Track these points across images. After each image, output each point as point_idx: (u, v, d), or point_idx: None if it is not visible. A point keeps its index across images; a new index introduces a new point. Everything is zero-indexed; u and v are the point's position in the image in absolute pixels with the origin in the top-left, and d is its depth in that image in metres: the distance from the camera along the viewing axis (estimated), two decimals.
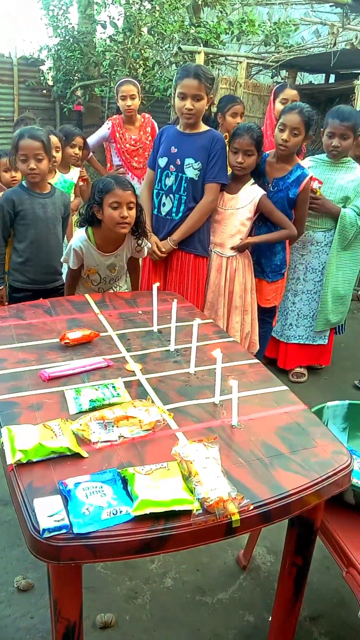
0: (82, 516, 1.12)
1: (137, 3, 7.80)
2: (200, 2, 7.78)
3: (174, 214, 2.83)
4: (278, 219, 2.90)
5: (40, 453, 1.28)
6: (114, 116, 4.19)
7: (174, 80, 2.80)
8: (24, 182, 2.70)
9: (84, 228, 2.48)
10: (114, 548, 1.12)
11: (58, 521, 1.10)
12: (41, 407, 1.51)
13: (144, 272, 3.04)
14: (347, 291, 3.38)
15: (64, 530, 1.10)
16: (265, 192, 2.85)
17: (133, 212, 2.37)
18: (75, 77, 8.87)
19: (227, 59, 7.87)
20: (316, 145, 7.43)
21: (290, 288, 3.41)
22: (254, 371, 1.80)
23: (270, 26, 7.92)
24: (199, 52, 6.82)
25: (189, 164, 2.74)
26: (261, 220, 2.96)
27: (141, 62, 7.92)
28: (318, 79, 8.35)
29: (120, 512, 1.15)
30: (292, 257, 3.36)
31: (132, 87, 3.95)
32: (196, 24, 7.63)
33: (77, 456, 1.31)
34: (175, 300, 1.90)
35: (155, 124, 4.23)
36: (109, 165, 4.32)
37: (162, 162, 2.82)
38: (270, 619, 1.79)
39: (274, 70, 7.46)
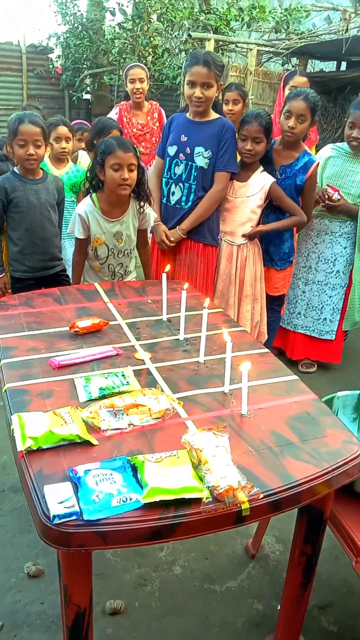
0: (92, 503, 1.12)
1: None
2: None
3: (183, 203, 2.81)
4: (288, 206, 2.88)
5: (51, 440, 1.29)
6: (122, 102, 4.19)
7: (183, 67, 2.77)
8: (15, 169, 2.68)
9: (89, 195, 2.50)
10: (124, 535, 1.12)
11: (68, 508, 1.10)
12: (51, 395, 1.52)
13: (152, 261, 3.03)
14: None
15: (74, 517, 1.10)
16: (275, 180, 2.83)
17: (134, 174, 2.38)
18: (84, 66, 8.82)
19: (237, 46, 7.79)
20: (327, 134, 7.36)
21: (301, 276, 3.39)
22: (264, 360, 1.79)
23: (281, 12, 7.82)
24: (208, 39, 6.76)
25: (198, 153, 2.72)
26: (269, 208, 2.94)
27: (150, 50, 7.86)
28: (329, 66, 8.23)
29: (130, 499, 1.15)
30: (306, 245, 3.34)
31: (141, 71, 3.98)
32: (206, 11, 7.54)
33: (87, 444, 1.31)
34: (185, 289, 1.89)
35: (163, 111, 4.23)
36: None
37: (171, 150, 2.80)
38: (279, 608, 1.80)
39: (284, 58, 7.37)
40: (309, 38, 7.21)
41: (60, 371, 1.64)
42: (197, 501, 1.15)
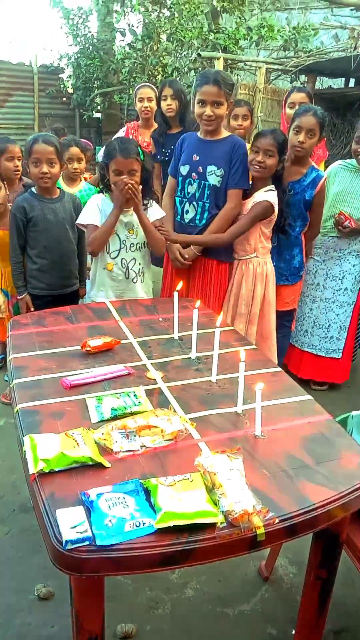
0: (105, 528, 1.11)
1: (156, 10, 7.86)
2: (219, 9, 7.80)
3: (197, 221, 2.82)
4: (234, 225, 2.78)
5: (63, 462, 1.27)
6: (132, 122, 4.26)
7: (193, 87, 2.79)
8: (33, 189, 2.72)
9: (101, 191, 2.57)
10: (136, 561, 1.10)
11: (81, 533, 1.09)
12: (63, 416, 1.51)
13: (166, 278, 3.03)
14: None
15: (86, 542, 1.09)
16: (268, 200, 2.74)
17: (136, 178, 2.41)
18: (94, 85, 8.95)
19: (246, 65, 7.87)
20: (336, 150, 7.39)
21: (309, 293, 3.38)
22: (276, 380, 1.77)
23: (289, 31, 7.91)
24: (217, 58, 6.84)
25: (211, 172, 2.73)
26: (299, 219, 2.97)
27: (160, 69, 7.97)
28: (337, 83, 8.29)
29: (143, 524, 1.13)
30: (314, 262, 3.33)
31: (150, 90, 4.08)
32: (215, 30, 7.65)
33: (99, 466, 1.30)
34: (197, 307, 1.88)
35: None
36: None
37: (183, 170, 2.81)
38: (293, 633, 1.76)
39: (293, 75, 7.43)
40: (317, 55, 7.28)
41: (72, 391, 1.63)
42: (212, 526, 1.13)
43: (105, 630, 1.31)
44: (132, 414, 1.49)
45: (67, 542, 1.07)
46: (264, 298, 2.90)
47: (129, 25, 8.29)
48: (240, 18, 8.01)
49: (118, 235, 2.54)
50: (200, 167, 2.75)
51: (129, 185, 2.37)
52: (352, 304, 3.32)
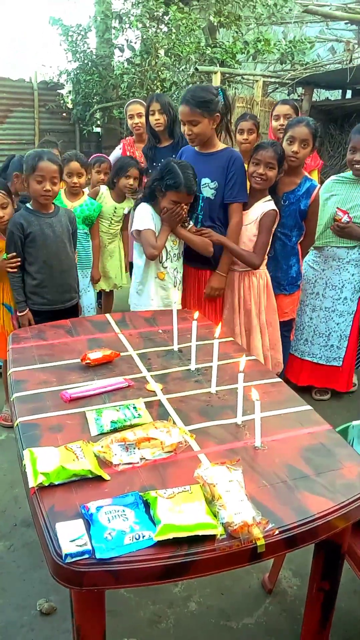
0: (104, 541, 1.11)
1: (154, 26, 7.94)
2: (215, 23, 7.89)
3: None
4: (256, 243, 2.80)
5: (62, 476, 1.28)
6: (127, 138, 4.30)
7: None
8: (28, 205, 2.73)
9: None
10: (136, 574, 1.10)
11: (80, 546, 1.09)
12: (62, 429, 1.51)
13: None
14: None
15: (86, 556, 1.08)
16: (273, 209, 2.77)
17: (187, 207, 2.64)
18: (94, 100, 9.03)
19: (243, 78, 7.95)
20: (334, 161, 7.44)
21: (309, 303, 3.39)
22: (276, 390, 1.77)
23: (286, 44, 7.99)
24: (215, 72, 6.90)
25: (205, 184, 2.76)
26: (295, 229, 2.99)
27: (158, 84, 8.03)
28: (334, 94, 8.37)
29: (143, 536, 1.13)
30: (313, 271, 3.34)
31: (139, 106, 4.11)
32: (212, 45, 7.73)
33: (98, 479, 1.30)
34: (195, 319, 1.89)
35: None
36: None
37: None
38: None
39: (290, 88, 7.50)
40: (314, 68, 7.35)
41: (72, 404, 1.64)
42: (211, 538, 1.13)
43: None
44: (132, 426, 1.50)
45: (66, 555, 1.07)
46: (268, 307, 2.94)
47: (127, 41, 8.37)
48: (237, 32, 8.10)
49: (165, 246, 2.66)
50: None
51: (182, 216, 2.62)
52: (352, 313, 3.33)
